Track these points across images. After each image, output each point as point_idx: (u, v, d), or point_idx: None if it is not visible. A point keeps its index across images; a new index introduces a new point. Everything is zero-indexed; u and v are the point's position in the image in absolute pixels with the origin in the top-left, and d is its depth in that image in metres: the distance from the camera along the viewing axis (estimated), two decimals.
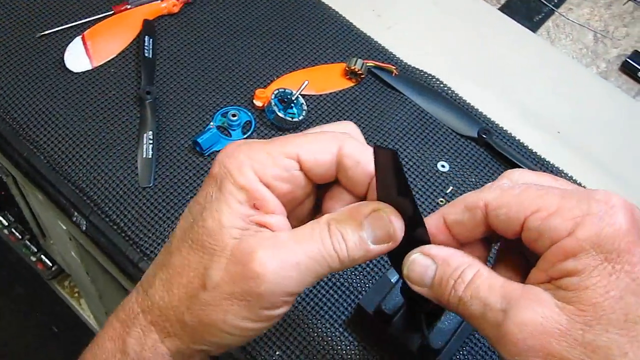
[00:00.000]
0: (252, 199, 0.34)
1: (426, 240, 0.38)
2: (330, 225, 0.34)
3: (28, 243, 1.40)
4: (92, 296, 1.10)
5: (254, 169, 0.34)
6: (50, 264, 1.40)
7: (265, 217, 0.34)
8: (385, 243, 0.35)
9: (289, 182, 0.35)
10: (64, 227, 0.86)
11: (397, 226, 0.35)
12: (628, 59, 0.84)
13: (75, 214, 0.66)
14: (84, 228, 0.65)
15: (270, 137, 0.68)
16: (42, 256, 1.39)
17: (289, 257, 0.33)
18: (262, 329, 0.35)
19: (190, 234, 0.34)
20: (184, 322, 0.35)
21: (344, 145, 0.35)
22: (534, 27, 0.87)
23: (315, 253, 0.33)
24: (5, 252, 1.55)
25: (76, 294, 1.40)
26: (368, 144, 0.37)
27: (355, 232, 0.34)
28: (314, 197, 0.39)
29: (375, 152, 0.34)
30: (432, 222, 0.38)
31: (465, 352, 0.58)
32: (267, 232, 0.34)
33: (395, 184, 0.34)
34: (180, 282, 0.34)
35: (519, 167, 0.69)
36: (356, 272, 0.61)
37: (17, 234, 1.39)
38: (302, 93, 0.71)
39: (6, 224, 1.38)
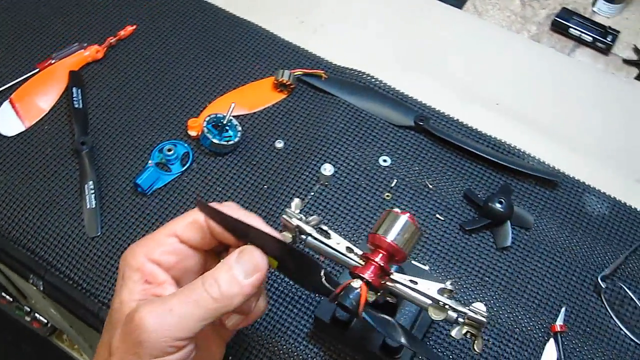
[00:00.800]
0: (144, 275, 0.42)
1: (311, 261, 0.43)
2: (205, 276, 0.40)
3: (20, 304, 1.40)
4: (85, 347, 1.11)
5: (144, 254, 0.42)
6: (45, 321, 1.40)
7: (157, 287, 0.42)
8: (255, 273, 0.40)
9: (175, 254, 0.43)
10: (34, 288, 0.86)
11: (259, 258, 0.41)
12: (557, 18, 0.84)
13: (31, 275, 0.66)
14: (41, 288, 0.65)
15: (210, 165, 0.69)
16: (36, 314, 1.39)
17: (164, 306, 0.38)
18: None
19: (107, 320, 0.42)
20: None
21: None
22: (459, 4, 0.87)
23: (189, 298, 0.39)
24: (5, 315, 1.56)
25: (75, 347, 1.41)
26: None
27: (226, 273, 0.40)
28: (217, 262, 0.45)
29: (200, 209, 0.42)
30: None
31: (431, 342, 0.58)
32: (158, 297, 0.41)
33: (240, 226, 0.40)
34: (99, 358, 0.41)
35: (460, 148, 0.69)
36: None
37: (8, 297, 1.39)
38: (235, 114, 0.71)
39: None
